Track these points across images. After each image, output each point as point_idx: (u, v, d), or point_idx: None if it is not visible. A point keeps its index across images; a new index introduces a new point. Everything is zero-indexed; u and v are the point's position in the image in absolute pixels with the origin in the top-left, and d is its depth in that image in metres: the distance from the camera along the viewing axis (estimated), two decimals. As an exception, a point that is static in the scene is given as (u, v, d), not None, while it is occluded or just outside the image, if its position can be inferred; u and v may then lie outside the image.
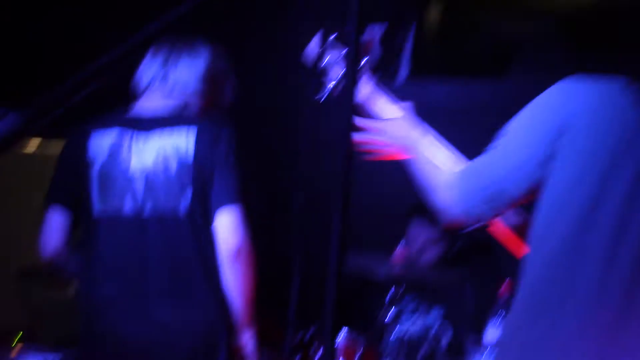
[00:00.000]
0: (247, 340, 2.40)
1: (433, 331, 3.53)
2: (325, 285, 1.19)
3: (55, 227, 2.48)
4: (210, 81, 2.55)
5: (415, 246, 3.64)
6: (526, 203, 1.70)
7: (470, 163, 1.78)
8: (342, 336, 3.03)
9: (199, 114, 2.52)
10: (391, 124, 1.96)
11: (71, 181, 2.47)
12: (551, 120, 1.66)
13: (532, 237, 1.68)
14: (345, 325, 3.21)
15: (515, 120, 1.73)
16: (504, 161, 1.70)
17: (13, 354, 2.93)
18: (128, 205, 2.41)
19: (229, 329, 2.36)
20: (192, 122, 2.45)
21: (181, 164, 2.40)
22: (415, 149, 1.89)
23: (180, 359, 2.32)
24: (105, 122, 2.53)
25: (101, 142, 2.48)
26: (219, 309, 2.36)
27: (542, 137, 1.65)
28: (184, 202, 2.38)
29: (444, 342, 3.51)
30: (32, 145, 5.04)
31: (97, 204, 2.44)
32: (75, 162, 2.49)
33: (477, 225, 1.73)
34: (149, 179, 2.41)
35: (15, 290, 3.25)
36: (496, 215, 1.75)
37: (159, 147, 2.42)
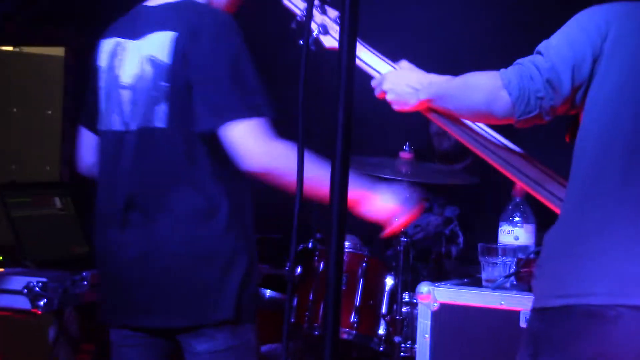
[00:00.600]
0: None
1: (447, 231, 3.32)
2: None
3: (85, 146, 2.42)
4: None
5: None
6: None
7: (517, 61, 1.79)
8: (346, 246, 2.84)
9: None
10: (397, 72, 2.05)
11: (91, 100, 2.35)
12: (595, 23, 1.72)
13: (579, 139, 1.71)
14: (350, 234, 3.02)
15: (561, 29, 1.78)
16: (557, 57, 1.72)
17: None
18: (116, 121, 2.24)
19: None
20: (178, 18, 2.17)
21: (157, 72, 2.15)
22: (432, 84, 1.96)
23: (155, 279, 2.16)
24: (111, 28, 2.34)
25: (103, 54, 2.30)
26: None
27: (587, 38, 1.71)
28: (159, 118, 2.15)
29: (455, 248, 3.34)
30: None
31: (101, 120, 2.30)
32: (91, 77, 2.35)
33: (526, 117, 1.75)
34: (134, 92, 2.20)
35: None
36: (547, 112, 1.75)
37: (141, 55, 2.19)
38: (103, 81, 2.27)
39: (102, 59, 2.28)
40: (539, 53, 1.75)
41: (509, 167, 1.97)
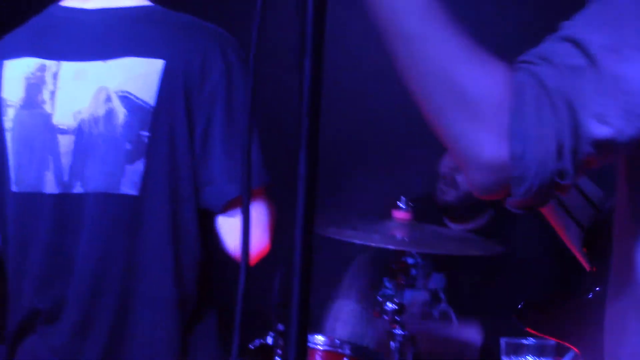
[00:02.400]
0: None
1: (435, 312, 2.72)
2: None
3: None
4: None
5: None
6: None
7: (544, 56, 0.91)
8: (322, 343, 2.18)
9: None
10: None
11: None
12: None
13: None
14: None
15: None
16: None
17: None
18: (47, 180, 1.60)
19: None
20: (159, 35, 1.59)
21: (134, 117, 1.56)
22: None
23: None
24: (15, 40, 1.69)
25: (8, 82, 1.64)
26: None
27: None
28: (130, 182, 1.57)
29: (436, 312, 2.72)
30: None
31: (13, 178, 1.64)
32: None
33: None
34: (80, 139, 1.59)
35: None
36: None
37: (101, 87, 1.57)
38: (14, 122, 1.61)
39: (9, 90, 1.62)
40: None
41: None
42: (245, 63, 1.58)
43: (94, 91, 1.57)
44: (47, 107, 1.60)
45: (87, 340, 1.59)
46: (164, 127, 1.56)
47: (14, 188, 1.63)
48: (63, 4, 1.66)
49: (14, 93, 1.63)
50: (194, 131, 1.57)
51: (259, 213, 1.58)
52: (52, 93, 1.60)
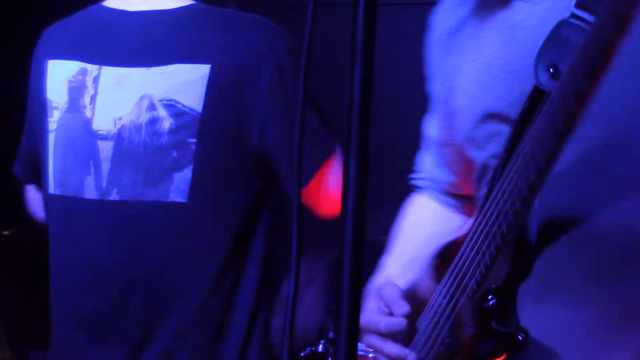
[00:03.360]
0: None
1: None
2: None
3: (34, 202, 1.78)
4: None
5: None
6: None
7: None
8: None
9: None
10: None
11: (29, 149, 1.71)
12: None
13: None
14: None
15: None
16: None
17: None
18: (87, 186, 1.56)
19: None
20: (203, 38, 1.52)
21: (180, 124, 1.50)
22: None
23: None
24: (63, 39, 1.64)
25: (54, 82, 1.61)
26: None
27: None
28: (178, 189, 1.51)
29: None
30: None
31: (54, 181, 1.61)
32: (33, 114, 1.67)
33: None
34: (120, 146, 1.54)
35: None
36: None
37: (143, 93, 1.52)
38: (59, 124, 1.59)
39: (55, 91, 1.60)
40: None
41: None
42: (296, 54, 1.54)
43: (136, 98, 1.53)
44: (88, 112, 1.57)
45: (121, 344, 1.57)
46: (212, 132, 1.52)
47: (54, 190, 1.61)
48: (105, 4, 1.62)
49: (59, 95, 1.60)
50: (251, 130, 1.52)
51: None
52: (93, 97, 1.56)
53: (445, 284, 1.17)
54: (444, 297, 1.17)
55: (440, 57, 1.32)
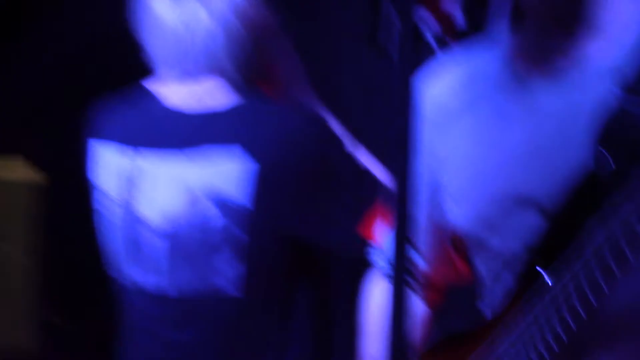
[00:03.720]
0: None
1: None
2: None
3: None
4: (249, 28, 1.58)
5: None
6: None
7: None
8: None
9: (252, 102, 1.60)
10: None
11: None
12: None
13: None
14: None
15: None
16: None
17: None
18: (145, 278, 1.59)
19: None
20: (245, 128, 1.55)
21: (229, 218, 1.52)
22: None
23: None
24: (106, 124, 1.66)
25: (103, 168, 1.63)
26: None
27: None
28: (231, 282, 1.54)
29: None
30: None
31: (114, 265, 1.65)
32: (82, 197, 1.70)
33: None
34: (175, 244, 1.56)
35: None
36: None
37: (188, 189, 1.54)
38: (115, 215, 1.61)
39: (105, 178, 1.62)
40: None
41: None
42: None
43: (186, 193, 1.54)
44: (133, 202, 1.59)
45: None
46: (262, 227, 1.53)
47: (112, 273, 1.66)
48: (160, 97, 1.63)
49: (109, 183, 1.62)
50: (298, 221, 1.57)
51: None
52: (140, 189, 1.58)
53: None
54: None
55: (436, 135, 1.26)
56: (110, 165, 1.61)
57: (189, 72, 1.57)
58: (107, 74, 1.88)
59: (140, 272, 1.59)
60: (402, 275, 0.84)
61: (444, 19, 1.33)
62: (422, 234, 1.30)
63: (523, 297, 1.07)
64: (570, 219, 1.04)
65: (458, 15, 1.46)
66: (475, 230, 1.21)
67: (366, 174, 1.61)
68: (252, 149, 1.52)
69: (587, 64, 1.10)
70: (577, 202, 1.05)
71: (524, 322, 1.07)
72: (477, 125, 1.23)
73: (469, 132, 1.24)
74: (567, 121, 1.09)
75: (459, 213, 1.24)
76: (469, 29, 1.49)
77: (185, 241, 1.54)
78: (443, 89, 1.29)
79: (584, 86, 1.11)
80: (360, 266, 1.43)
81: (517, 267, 1.12)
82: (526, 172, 1.16)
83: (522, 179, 1.16)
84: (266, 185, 1.51)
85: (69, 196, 1.78)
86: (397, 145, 0.85)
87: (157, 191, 1.57)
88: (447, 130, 1.27)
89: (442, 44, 1.30)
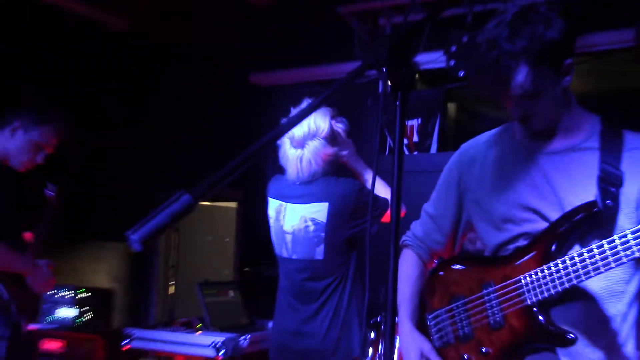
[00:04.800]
0: None
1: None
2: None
3: None
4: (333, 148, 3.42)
5: None
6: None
7: None
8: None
9: (328, 181, 3.41)
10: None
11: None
12: None
13: None
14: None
15: None
16: None
17: (196, 334, 4.54)
18: (284, 252, 3.49)
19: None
20: (326, 193, 3.35)
21: (318, 227, 3.35)
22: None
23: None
24: (272, 190, 3.60)
25: (271, 209, 3.57)
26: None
27: None
28: (319, 251, 3.35)
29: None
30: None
31: (275, 247, 3.57)
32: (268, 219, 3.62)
33: None
34: (294, 237, 3.42)
35: (198, 294, 4.87)
36: None
37: (302, 215, 3.39)
38: (273, 227, 3.54)
39: (271, 211, 3.56)
40: None
41: None
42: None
43: (300, 217, 3.37)
44: (281, 222, 3.46)
45: None
46: (332, 231, 3.30)
47: (275, 252, 3.55)
48: (286, 175, 3.49)
49: (272, 213, 3.51)
50: (351, 226, 3.35)
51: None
52: (284, 217, 3.44)
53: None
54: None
55: (462, 172, 2.17)
56: (273, 206, 3.54)
57: (300, 178, 3.46)
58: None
59: (284, 251, 3.46)
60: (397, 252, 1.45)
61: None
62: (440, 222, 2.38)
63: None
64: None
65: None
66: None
67: (379, 198, 3.31)
68: (326, 196, 3.36)
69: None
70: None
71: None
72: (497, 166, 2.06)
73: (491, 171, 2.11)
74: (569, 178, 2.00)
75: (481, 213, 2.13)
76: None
77: (298, 236, 3.40)
78: (472, 145, 2.19)
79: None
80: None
81: None
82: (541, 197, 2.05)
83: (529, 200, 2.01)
84: (332, 212, 3.33)
85: (260, 218, 3.74)
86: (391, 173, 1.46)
87: (288, 216, 3.45)
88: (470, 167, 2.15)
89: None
